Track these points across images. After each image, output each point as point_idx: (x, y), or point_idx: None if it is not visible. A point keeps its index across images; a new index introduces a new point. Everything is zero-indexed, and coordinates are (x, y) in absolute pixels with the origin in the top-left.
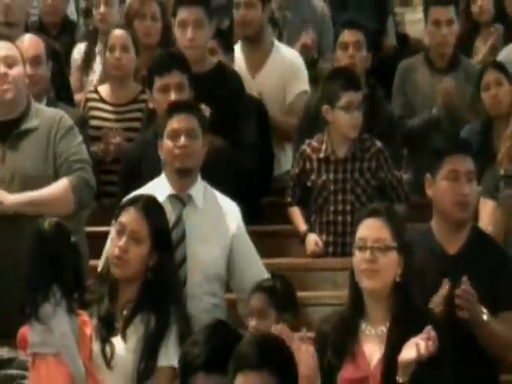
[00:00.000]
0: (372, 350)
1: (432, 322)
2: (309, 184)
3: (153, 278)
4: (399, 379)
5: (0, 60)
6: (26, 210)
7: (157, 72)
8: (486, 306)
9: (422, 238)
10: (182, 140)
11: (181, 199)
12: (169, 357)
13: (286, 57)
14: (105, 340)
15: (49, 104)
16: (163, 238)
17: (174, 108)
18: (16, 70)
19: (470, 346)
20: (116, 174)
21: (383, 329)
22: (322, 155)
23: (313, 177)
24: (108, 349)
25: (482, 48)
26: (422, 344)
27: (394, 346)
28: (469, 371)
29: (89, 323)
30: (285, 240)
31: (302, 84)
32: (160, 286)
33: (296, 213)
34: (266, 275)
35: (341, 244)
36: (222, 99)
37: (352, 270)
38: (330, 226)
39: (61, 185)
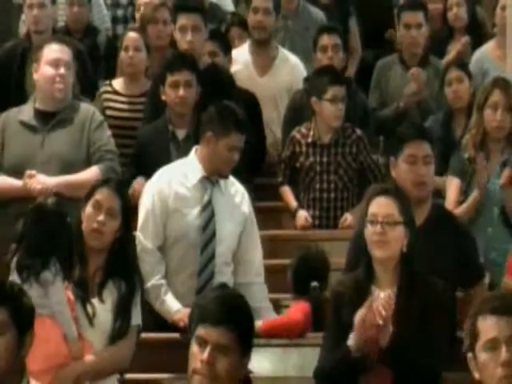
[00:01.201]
0: (381, 311)
1: (433, 288)
2: (297, 165)
3: (119, 248)
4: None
5: (60, 63)
6: (62, 192)
7: (169, 70)
8: (453, 277)
9: None
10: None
11: (211, 181)
12: (137, 317)
13: (291, 60)
14: (84, 302)
15: (73, 98)
16: (129, 214)
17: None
18: (69, 73)
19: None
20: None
21: (391, 292)
22: (309, 140)
23: (301, 159)
24: (90, 309)
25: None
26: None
27: (401, 311)
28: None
29: (68, 288)
30: (278, 215)
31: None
32: (125, 255)
33: (287, 191)
34: (260, 254)
35: (325, 218)
36: (216, 92)
37: (356, 240)
38: (316, 202)
39: (92, 171)
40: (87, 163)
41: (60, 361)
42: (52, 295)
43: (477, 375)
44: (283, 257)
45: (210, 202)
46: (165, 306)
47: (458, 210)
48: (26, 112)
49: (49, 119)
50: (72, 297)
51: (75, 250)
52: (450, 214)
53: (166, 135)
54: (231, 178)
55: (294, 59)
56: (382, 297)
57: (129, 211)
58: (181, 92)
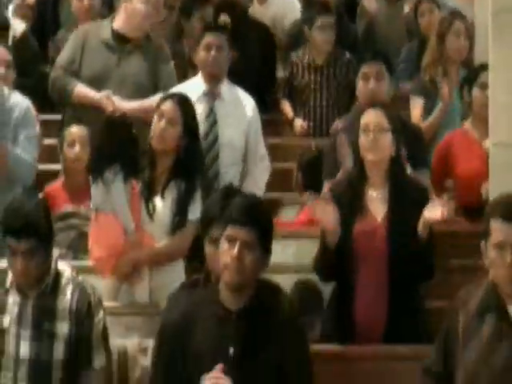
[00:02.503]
0: (376, 208)
1: (420, 191)
2: (295, 84)
3: (183, 154)
4: (420, 232)
5: None
6: (136, 115)
7: (215, 11)
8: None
9: None
10: (213, 52)
11: (213, 95)
12: (195, 212)
13: None
14: (147, 199)
15: None
16: (192, 125)
17: (209, 28)
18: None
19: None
20: None
21: (383, 192)
22: (305, 62)
23: (298, 78)
24: (150, 206)
25: None
26: (445, 209)
27: (394, 206)
28: (404, 293)
29: (136, 187)
30: (281, 126)
31: (297, 14)
32: (188, 160)
33: (286, 104)
34: (264, 150)
35: (319, 127)
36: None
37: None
38: (310, 114)
39: (158, 97)
40: (155, 88)
41: (120, 249)
42: (112, 193)
43: (486, 263)
44: (284, 161)
45: (211, 111)
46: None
47: (425, 124)
48: (105, 31)
49: (126, 42)
50: (138, 195)
51: (142, 154)
52: (405, 121)
53: (182, 59)
54: (238, 91)
55: None
56: (375, 196)
57: (191, 123)
58: (212, 53)
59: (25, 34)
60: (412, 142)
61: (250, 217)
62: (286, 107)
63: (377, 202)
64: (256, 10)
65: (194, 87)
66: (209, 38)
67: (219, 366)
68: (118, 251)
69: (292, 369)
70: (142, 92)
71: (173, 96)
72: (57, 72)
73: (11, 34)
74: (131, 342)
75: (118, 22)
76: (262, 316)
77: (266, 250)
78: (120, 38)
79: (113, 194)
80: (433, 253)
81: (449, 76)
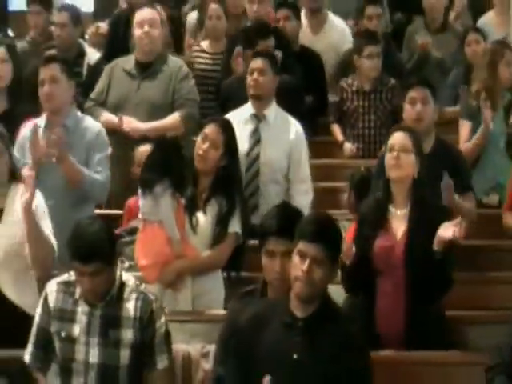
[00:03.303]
0: (397, 226)
1: (440, 210)
2: (345, 108)
3: (222, 173)
4: (436, 248)
5: (145, 21)
6: (150, 134)
7: (261, 38)
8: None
9: None
10: (255, 75)
11: (258, 117)
12: (234, 226)
13: (338, 24)
14: (191, 214)
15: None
16: (232, 147)
17: (256, 53)
18: (155, 31)
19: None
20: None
21: (405, 211)
22: (354, 88)
23: (348, 103)
24: (194, 220)
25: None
26: (456, 229)
27: (413, 224)
28: (423, 304)
29: (181, 203)
30: (331, 146)
31: (349, 44)
32: (227, 179)
33: (336, 128)
34: (308, 172)
35: (367, 150)
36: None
37: (380, 170)
38: (359, 137)
39: (174, 117)
40: (172, 107)
41: (165, 258)
42: (162, 204)
43: None
44: (334, 180)
45: (256, 131)
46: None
47: (468, 146)
48: (129, 61)
49: (145, 69)
50: (181, 209)
51: (188, 172)
52: (448, 145)
53: (242, 85)
54: (285, 116)
55: (340, 23)
56: (398, 214)
57: (232, 146)
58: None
59: (99, 61)
60: (455, 167)
61: (320, 234)
62: (336, 131)
63: (399, 220)
64: (309, 39)
65: (244, 110)
66: (252, 63)
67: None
68: (163, 260)
69: (353, 371)
70: (157, 112)
71: (216, 120)
72: (88, 104)
73: (86, 61)
74: (194, 348)
75: (136, 52)
76: (326, 324)
77: (334, 263)
78: (140, 66)
79: (161, 207)
80: (450, 267)
81: (494, 100)
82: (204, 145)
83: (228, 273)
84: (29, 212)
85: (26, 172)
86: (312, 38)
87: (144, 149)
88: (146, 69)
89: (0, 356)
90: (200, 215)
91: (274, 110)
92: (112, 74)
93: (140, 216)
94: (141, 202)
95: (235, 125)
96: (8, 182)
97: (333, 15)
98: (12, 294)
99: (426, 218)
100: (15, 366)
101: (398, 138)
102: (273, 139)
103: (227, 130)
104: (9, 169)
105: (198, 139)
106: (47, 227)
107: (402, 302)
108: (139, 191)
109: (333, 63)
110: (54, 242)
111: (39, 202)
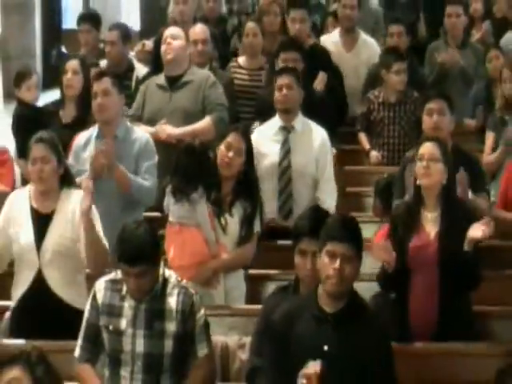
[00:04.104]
0: (430, 227)
1: (467, 212)
2: (371, 118)
3: (244, 178)
4: (466, 248)
5: (168, 36)
6: (186, 138)
7: (282, 50)
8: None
9: None
10: (284, 91)
11: (286, 128)
12: (257, 226)
13: (369, 42)
14: (219, 216)
15: (211, 69)
16: (251, 154)
17: (280, 71)
18: (177, 42)
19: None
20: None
21: (436, 214)
22: (380, 100)
23: (374, 114)
24: (223, 221)
25: (475, 35)
26: (486, 228)
27: (445, 225)
28: (453, 299)
29: (209, 207)
30: (357, 154)
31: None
32: (248, 183)
33: (363, 137)
34: (332, 174)
35: (391, 157)
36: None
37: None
38: (384, 145)
39: (205, 121)
40: (203, 113)
41: (202, 258)
42: (198, 211)
43: None
44: (360, 186)
45: (286, 142)
46: None
47: (491, 157)
48: (160, 77)
49: (175, 82)
50: (211, 212)
51: (216, 178)
52: (464, 151)
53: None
54: (310, 124)
55: (370, 41)
56: (429, 217)
57: (251, 151)
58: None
59: (146, 75)
60: (470, 170)
61: (347, 233)
62: (363, 139)
63: (430, 222)
64: (343, 56)
65: (273, 123)
66: (280, 80)
67: (318, 362)
68: (199, 260)
69: (379, 364)
70: (189, 119)
71: (237, 128)
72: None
73: (135, 75)
74: (232, 339)
75: (165, 66)
76: (354, 319)
77: (359, 260)
78: (170, 79)
79: (198, 213)
80: (478, 266)
81: None
82: (229, 153)
83: (247, 270)
84: (88, 217)
85: (84, 182)
86: (345, 54)
87: None
88: (176, 81)
89: (20, 346)
90: (227, 217)
91: (300, 121)
92: (146, 91)
93: (172, 220)
94: (174, 207)
95: (265, 137)
96: (60, 187)
97: (364, 34)
98: (61, 292)
99: (456, 220)
100: (35, 354)
101: (427, 147)
102: (301, 148)
103: (247, 137)
104: (58, 174)
105: (222, 147)
106: (99, 230)
107: (435, 298)
108: (170, 197)
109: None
110: (106, 243)
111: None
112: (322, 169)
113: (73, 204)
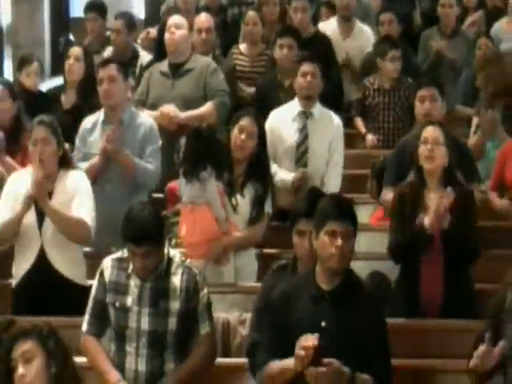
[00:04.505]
0: (433, 206)
1: (466, 192)
2: (367, 104)
3: (255, 160)
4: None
5: (172, 25)
6: (189, 122)
7: (278, 36)
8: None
9: None
10: (308, 78)
11: (305, 114)
12: (267, 207)
13: (365, 30)
14: (230, 196)
15: (214, 57)
16: (263, 137)
17: (305, 58)
18: (180, 31)
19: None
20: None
21: (438, 194)
22: (375, 87)
23: (369, 99)
24: (234, 201)
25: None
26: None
27: (455, 207)
28: (457, 275)
29: (220, 186)
30: (353, 138)
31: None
32: (260, 165)
33: (359, 121)
34: (341, 159)
35: (386, 141)
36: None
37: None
38: (379, 129)
39: (207, 106)
40: (204, 99)
41: (212, 236)
42: (207, 188)
43: None
44: (357, 168)
45: (304, 127)
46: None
47: (473, 139)
48: (164, 64)
49: (178, 69)
50: (223, 192)
51: (225, 158)
52: (455, 138)
53: (274, 84)
54: (327, 111)
55: (366, 29)
56: (432, 197)
57: (263, 134)
58: (284, 52)
59: (150, 62)
60: (463, 160)
61: (344, 212)
62: (359, 124)
63: (433, 201)
64: (340, 42)
65: (291, 108)
66: (305, 67)
67: (316, 336)
68: (210, 237)
69: (373, 337)
70: (191, 105)
71: (249, 112)
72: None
73: (139, 62)
74: (233, 316)
75: (168, 54)
76: (349, 295)
77: (355, 237)
78: (173, 67)
79: (207, 191)
80: (477, 239)
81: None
82: (241, 135)
83: (260, 248)
84: (43, 202)
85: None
86: (342, 41)
87: None
88: (178, 69)
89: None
90: (239, 197)
91: (318, 108)
92: (150, 77)
93: (184, 200)
94: (185, 188)
95: (282, 120)
96: (58, 168)
97: (360, 23)
98: (63, 268)
99: (457, 199)
100: (46, 328)
101: (430, 131)
102: (318, 133)
103: (259, 121)
104: (57, 156)
105: (235, 131)
106: (89, 207)
107: (441, 271)
108: (182, 179)
109: (359, 63)
110: (89, 221)
111: (84, 184)
112: (333, 153)
113: (69, 184)
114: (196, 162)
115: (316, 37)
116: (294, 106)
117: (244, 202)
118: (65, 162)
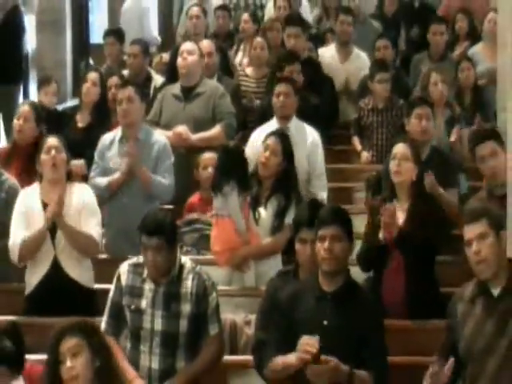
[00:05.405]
0: (400, 216)
1: (434, 203)
2: (362, 123)
3: (282, 176)
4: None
5: (184, 51)
6: (200, 144)
7: (285, 62)
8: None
9: None
10: (281, 98)
11: (283, 130)
12: (290, 219)
13: (361, 56)
14: (254, 209)
15: (218, 78)
16: (289, 154)
17: (279, 80)
18: (192, 57)
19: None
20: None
21: (406, 205)
22: (369, 107)
23: (364, 119)
24: (256, 213)
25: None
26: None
27: (412, 216)
28: (420, 283)
29: (247, 200)
30: (350, 154)
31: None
32: (286, 180)
33: (356, 140)
34: (324, 170)
35: (380, 157)
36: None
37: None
38: (373, 146)
39: (216, 129)
40: (213, 121)
41: (232, 245)
42: (230, 202)
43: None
44: (349, 181)
45: None
46: None
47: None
48: (176, 87)
49: (189, 93)
50: (247, 205)
51: (252, 176)
52: (441, 151)
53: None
54: (303, 125)
55: (363, 55)
56: (401, 208)
57: (290, 153)
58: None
59: (163, 84)
60: (444, 167)
61: (333, 217)
62: (356, 142)
63: (401, 212)
64: (337, 67)
65: (270, 126)
66: (278, 88)
67: (317, 338)
68: (231, 246)
69: (371, 336)
70: (201, 126)
71: (275, 132)
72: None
73: (153, 84)
74: (239, 316)
75: (180, 77)
76: (349, 296)
77: (350, 240)
78: (185, 90)
79: (229, 204)
80: (439, 232)
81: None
82: (266, 153)
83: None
84: (57, 217)
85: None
86: (340, 65)
87: (207, 155)
88: (190, 92)
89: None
90: (262, 210)
91: (294, 123)
92: (163, 100)
93: (213, 212)
94: (214, 201)
95: (262, 137)
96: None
97: (356, 48)
98: (75, 275)
99: (422, 210)
100: (91, 325)
101: (399, 148)
102: (295, 147)
103: (285, 140)
104: (66, 168)
105: (261, 149)
106: (96, 223)
107: (402, 279)
108: (212, 193)
109: (356, 86)
110: (92, 234)
111: (91, 198)
112: (313, 165)
113: (76, 197)
114: (220, 176)
115: (308, 61)
116: (273, 123)
117: (267, 214)
118: (70, 176)
